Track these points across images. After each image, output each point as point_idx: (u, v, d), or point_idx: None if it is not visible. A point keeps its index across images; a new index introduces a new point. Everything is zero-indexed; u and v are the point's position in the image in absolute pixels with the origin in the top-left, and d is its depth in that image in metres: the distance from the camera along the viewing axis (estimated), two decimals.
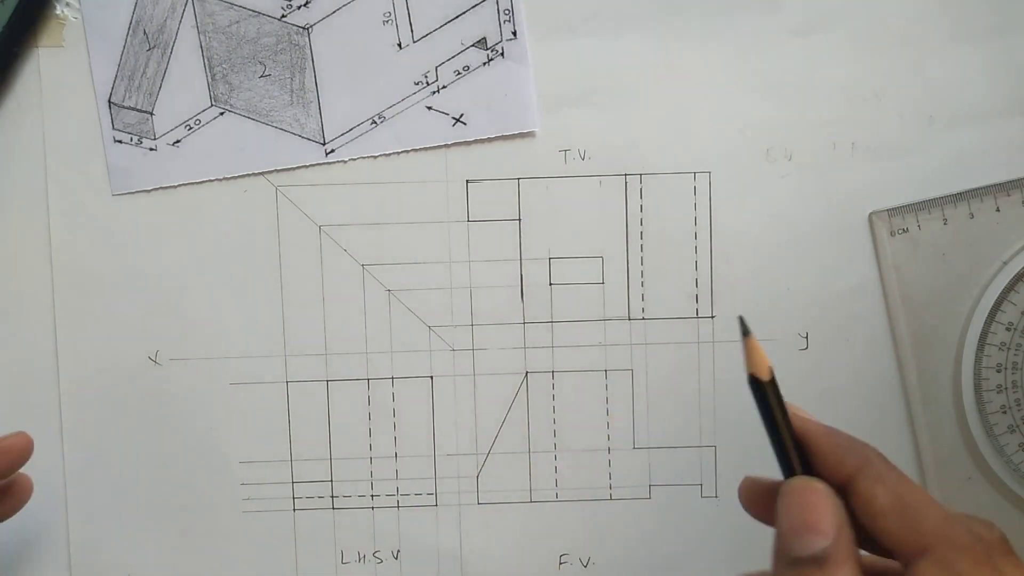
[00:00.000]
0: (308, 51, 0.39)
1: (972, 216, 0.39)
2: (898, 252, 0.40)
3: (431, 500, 0.41)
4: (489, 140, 0.40)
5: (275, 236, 0.40)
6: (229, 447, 0.40)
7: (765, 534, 0.41)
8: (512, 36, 0.39)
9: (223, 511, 0.41)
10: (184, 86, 0.39)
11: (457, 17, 0.39)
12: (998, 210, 0.39)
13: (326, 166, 0.40)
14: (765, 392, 0.28)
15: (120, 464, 0.40)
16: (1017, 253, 0.39)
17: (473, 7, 0.39)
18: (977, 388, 0.39)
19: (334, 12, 0.39)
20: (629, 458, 0.41)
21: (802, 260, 0.40)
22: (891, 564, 0.28)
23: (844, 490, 0.27)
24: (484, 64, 0.39)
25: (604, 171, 0.40)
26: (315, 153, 0.40)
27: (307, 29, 0.39)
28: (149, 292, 0.40)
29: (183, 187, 0.40)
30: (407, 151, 0.40)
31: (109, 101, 0.39)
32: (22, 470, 0.36)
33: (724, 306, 0.40)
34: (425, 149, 0.40)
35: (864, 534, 0.27)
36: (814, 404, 0.40)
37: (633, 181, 0.40)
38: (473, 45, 0.39)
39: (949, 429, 0.40)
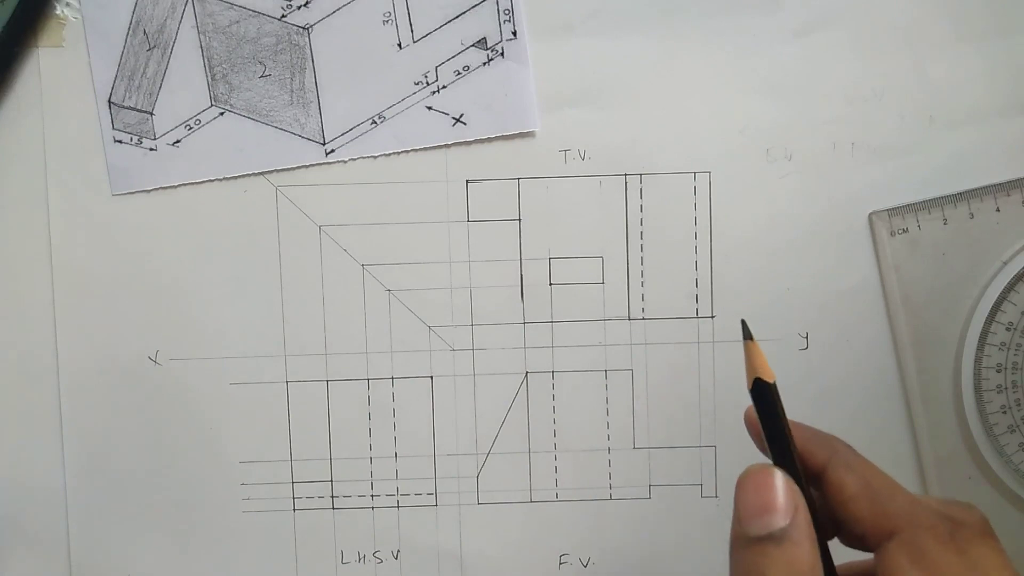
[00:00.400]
0: (308, 51, 0.39)
1: (972, 216, 0.39)
2: (898, 252, 0.40)
3: (431, 500, 0.41)
4: (489, 140, 0.40)
5: (275, 236, 0.40)
6: (229, 447, 0.40)
7: None
8: (512, 36, 0.39)
9: (223, 511, 0.41)
10: (184, 86, 0.39)
11: (457, 17, 0.39)
12: (998, 210, 0.39)
13: (326, 166, 0.40)
14: (769, 396, 0.28)
15: (120, 464, 0.40)
16: (1017, 253, 0.39)
17: (473, 7, 0.39)
18: (977, 388, 0.39)
19: (334, 12, 0.39)
20: (629, 458, 0.41)
21: (802, 260, 0.40)
22: (868, 566, 0.28)
23: (817, 481, 0.28)
24: (484, 64, 0.39)
25: (604, 171, 0.40)
26: (315, 153, 0.40)
27: (307, 29, 0.39)
28: (149, 292, 0.40)
29: (183, 187, 0.40)
30: (407, 151, 0.40)
31: (109, 101, 0.39)
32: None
33: (724, 306, 0.40)
34: (425, 149, 0.40)
35: (838, 525, 0.28)
36: (814, 404, 0.40)
37: (633, 181, 0.40)
38: (473, 45, 0.39)
39: (949, 429, 0.40)
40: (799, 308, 0.40)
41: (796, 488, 0.27)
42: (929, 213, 0.39)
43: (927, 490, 0.40)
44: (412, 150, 0.40)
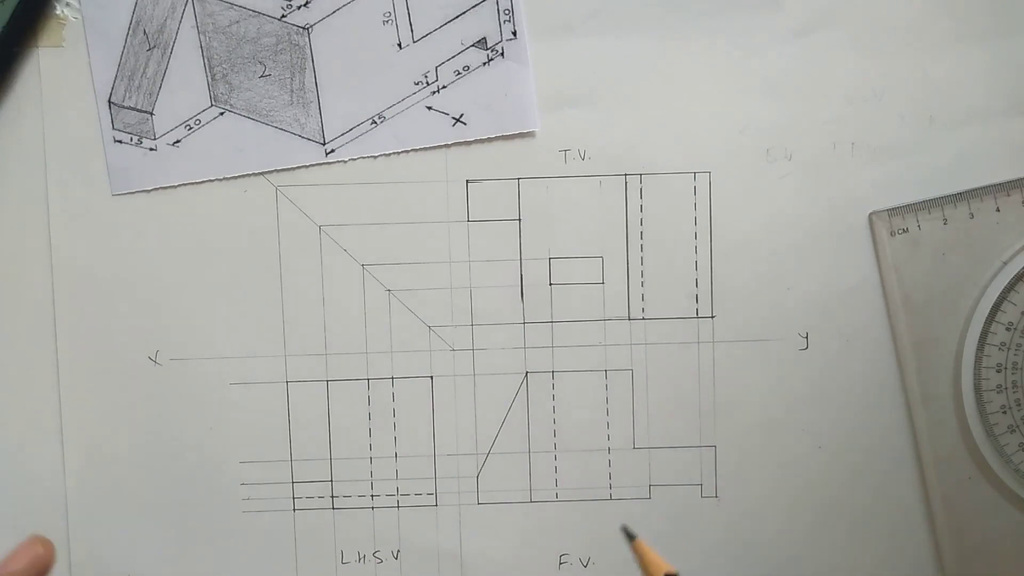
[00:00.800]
0: (308, 51, 0.39)
1: (972, 216, 0.39)
2: (898, 252, 0.40)
3: (431, 500, 0.41)
4: (489, 140, 0.40)
5: (275, 236, 0.40)
6: (229, 447, 0.40)
7: (765, 534, 0.41)
8: (512, 36, 0.39)
9: (223, 511, 0.41)
10: (184, 86, 0.39)
11: (457, 17, 0.39)
12: (998, 210, 0.39)
13: (326, 166, 0.40)
14: None
15: (120, 464, 0.40)
16: (1017, 253, 0.39)
17: (473, 7, 0.39)
18: (977, 388, 0.39)
19: (334, 12, 0.39)
20: (629, 458, 0.41)
21: (802, 260, 0.40)
22: None
23: None
24: (484, 64, 0.39)
25: (604, 171, 0.40)
26: (315, 153, 0.40)
27: (307, 29, 0.39)
28: (149, 292, 0.40)
29: (183, 187, 0.40)
30: (407, 151, 0.40)
31: (109, 101, 0.39)
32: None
33: (724, 306, 0.40)
34: (425, 149, 0.40)
35: None
36: (814, 404, 0.40)
37: (633, 181, 0.40)
38: (473, 45, 0.39)
39: (949, 429, 0.40)
40: (799, 308, 0.40)
41: None
42: (929, 213, 0.39)
43: (927, 490, 0.40)
44: (412, 150, 0.40)
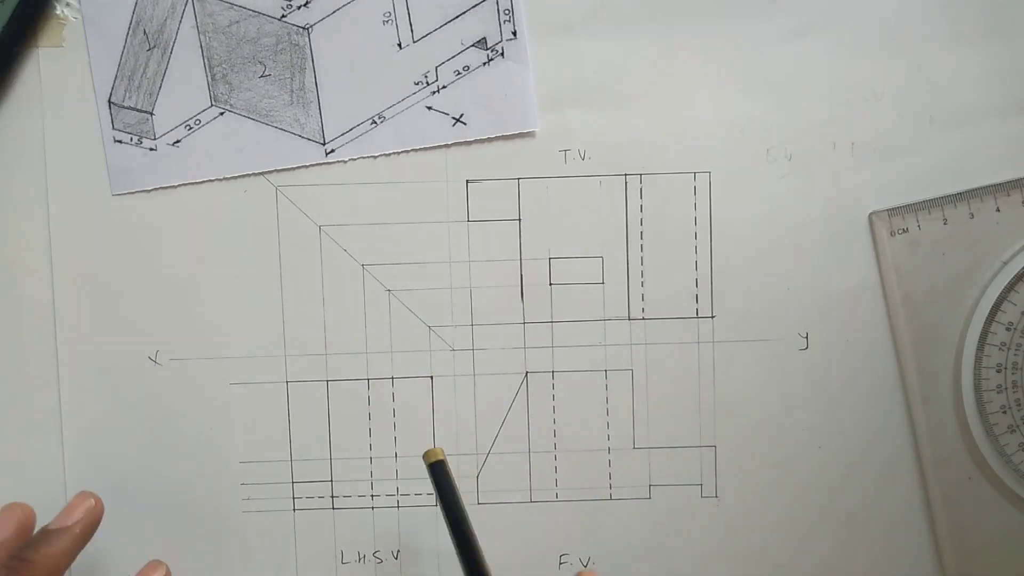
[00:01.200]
0: (308, 51, 0.39)
1: (972, 216, 0.39)
2: (898, 252, 0.40)
3: (431, 500, 0.41)
4: (489, 140, 0.40)
5: (275, 236, 0.40)
6: (229, 447, 0.40)
7: (765, 534, 0.41)
8: (512, 36, 0.39)
9: (223, 511, 0.41)
10: (184, 86, 0.39)
11: (457, 17, 0.39)
12: (998, 210, 0.39)
13: (326, 166, 0.40)
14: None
15: (120, 464, 0.40)
16: (1017, 253, 0.39)
17: (473, 7, 0.39)
18: (977, 388, 0.39)
19: (334, 12, 0.39)
20: (629, 458, 0.41)
21: (802, 260, 0.40)
22: None
23: None
24: (484, 64, 0.39)
25: (604, 171, 0.40)
26: (315, 153, 0.40)
27: (307, 29, 0.39)
28: (149, 292, 0.40)
29: (183, 187, 0.40)
30: (407, 151, 0.40)
31: (109, 101, 0.39)
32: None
33: (724, 306, 0.40)
34: (425, 149, 0.40)
35: None
36: (814, 404, 0.40)
37: (633, 181, 0.40)
38: (473, 45, 0.39)
39: (949, 429, 0.40)
40: (799, 308, 0.40)
41: None
42: (929, 213, 0.39)
43: (927, 490, 0.40)
44: (412, 150, 0.40)
